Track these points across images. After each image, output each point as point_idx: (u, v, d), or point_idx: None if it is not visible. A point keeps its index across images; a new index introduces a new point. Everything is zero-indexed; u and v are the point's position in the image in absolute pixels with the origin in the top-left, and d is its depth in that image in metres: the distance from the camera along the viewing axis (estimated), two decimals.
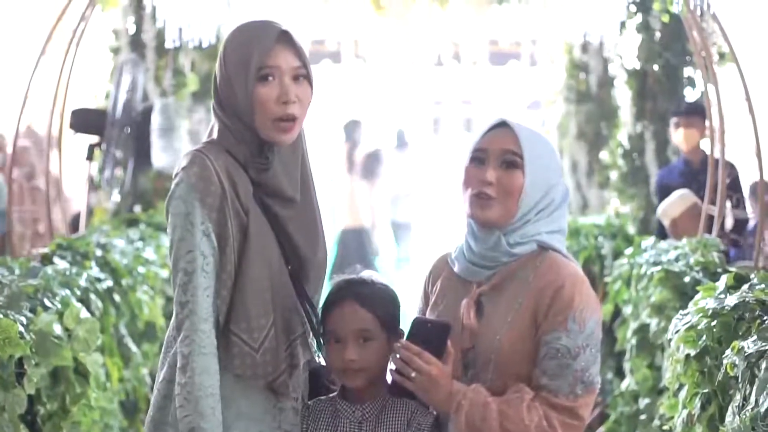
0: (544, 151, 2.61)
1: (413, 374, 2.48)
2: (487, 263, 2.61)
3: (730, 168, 5.94)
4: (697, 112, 6.79)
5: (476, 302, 2.60)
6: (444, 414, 2.54)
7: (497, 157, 2.59)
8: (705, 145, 6.82)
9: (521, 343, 2.53)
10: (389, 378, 2.61)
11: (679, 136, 6.78)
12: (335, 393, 2.71)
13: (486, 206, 2.58)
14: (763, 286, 3.39)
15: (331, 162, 10.67)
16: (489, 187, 2.57)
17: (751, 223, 6.74)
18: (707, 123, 5.82)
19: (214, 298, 2.56)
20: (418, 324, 2.56)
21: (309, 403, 2.71)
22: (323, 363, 2.73)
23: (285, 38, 2.62)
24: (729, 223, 5.79)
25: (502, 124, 2.63)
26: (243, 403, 2.60)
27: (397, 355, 2.51)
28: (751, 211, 6.64)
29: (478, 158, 2.61)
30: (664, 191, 6.63)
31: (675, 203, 6.17)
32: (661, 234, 6.22)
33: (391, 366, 2.55)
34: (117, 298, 5.08)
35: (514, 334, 2.54)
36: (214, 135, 2.66)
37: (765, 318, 3.09)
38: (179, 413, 2.51)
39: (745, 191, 6.62)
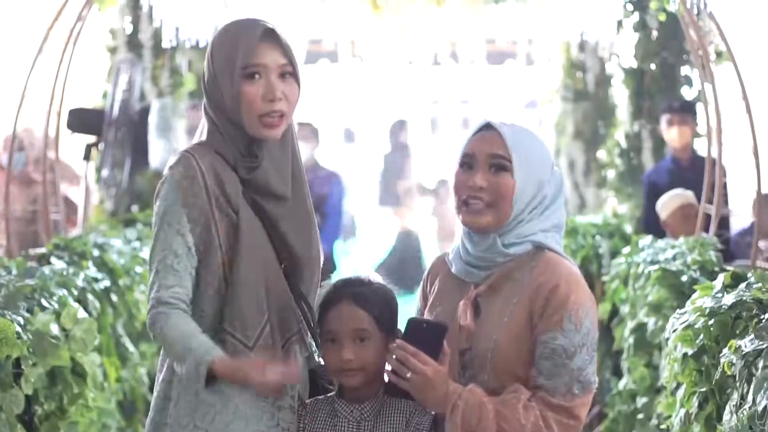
0: (532, 149, 2.60)
1: (408, 374, 2.48)
2: (483, 264, 2.60)
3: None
4: (690, 110, 6.81)
5: (473, 303, 2.60)
6: (440, 414, 2.54)
7: (485, 161, 2.57)
8: (694, 143, 6.84)
9: (518, 343, 2.53)
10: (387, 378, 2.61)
11: (672, 134, 6.78)
12: (333, 392, 2.71)
13: (477, 213, 2.57)
14: (760, 284, 3.39)
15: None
16: (479, 193, 2.56)
17: (747, 222, 6.75)
18: (704, 122, 5.83)
19: (198, 297, 2.58)
20: (413, 324, 2.55)
21: (306, 402, 2.71)
22: (321, 362, 2.73)
23: (270, 36, 2.62)
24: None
25: (488, 127, 2.61)
26: (240, 402, 2.60)
27: (393, 356, 2.50)
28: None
29: (467, 163, 2.59)
30: (651, 190, 6.65)
31: (667, 203, 6.21)
32: (653, 232, 6.21)
33: (388, 367, 2.54)
34: (114, 298, 5.07)
35: (510, 334, 2.53)
36: (204, 135, 2.66)
37: (762, 317, 3.09)
38: (182, 368, 2.51)
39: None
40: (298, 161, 2.72)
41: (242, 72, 2.59)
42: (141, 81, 7.04)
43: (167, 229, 2.56)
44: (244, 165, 2.63)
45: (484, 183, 2.56)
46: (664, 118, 6.86)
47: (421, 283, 2.80)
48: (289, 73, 2.64)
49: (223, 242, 2.59)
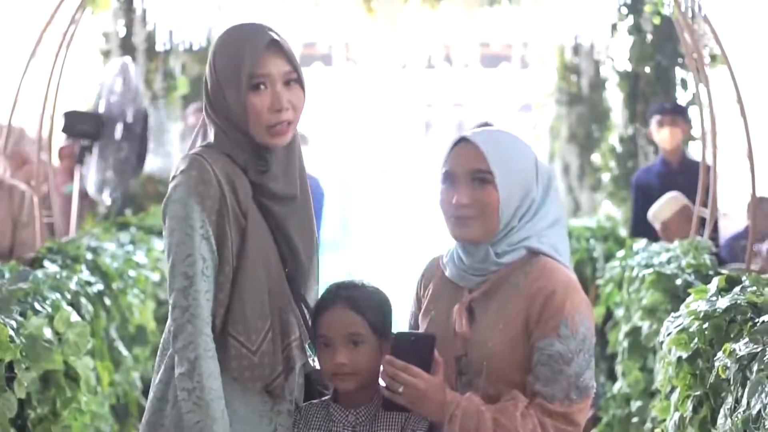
0: (512, 156, 2.56)
1: (401, 389, 2.47)
2: (478, 273, 2.59)
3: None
4: (680, 112, 6.80)
5: (467, 309, 2.59)
6: (439, 424, 2.52)
7: (466, 177, 2.54)
8: (686, 146, 6.84)
9: (513, 349, 2.51)
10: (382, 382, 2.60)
11: (663, 135, 6.77)
12: (328, 397, 2.71)
13: (464, 225, 2.55)
14: (754, 288, 3.39)
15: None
16: (463, 209, 2.54)
17: (741, 227, 6.76)
18: (699, 125, 5.83)
19: (212, 301, 2.56)
20: (401, 338, 2.54)
21: (301, 406, 2.70)
22: (317, 366, 2.73)
23: (275, 44, 2.61)
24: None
25: (464, 140, 2.57)
26: (239, 406, 2.59)
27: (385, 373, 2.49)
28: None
29: (449, 179, 2.57)
30: (640, 192, 6.64)
31: (665, 206, 6.18)
32: (643, 234, 6.20)
33: (382, 383, 2.53)
34: (107, 301, 5.06)
35: (505, 341, 2.52)
36: (210, 138, 2.65)
37: (756, 320, 3.09)
38: (189, 419, 2.50)
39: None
40: (302, 165, 2.72)
41: (248, 82, 2.58)
42: (136, 84, 7.03)
43: (191, 234, 2.52)
44: (255, 168, 2.62)
45: (468, 199, 2.53)
46: (654, 120, 6.84)
47: (415, 286, 2.79)
48: (294, 80, 2.63)
49: (234, 246, 2.58)
